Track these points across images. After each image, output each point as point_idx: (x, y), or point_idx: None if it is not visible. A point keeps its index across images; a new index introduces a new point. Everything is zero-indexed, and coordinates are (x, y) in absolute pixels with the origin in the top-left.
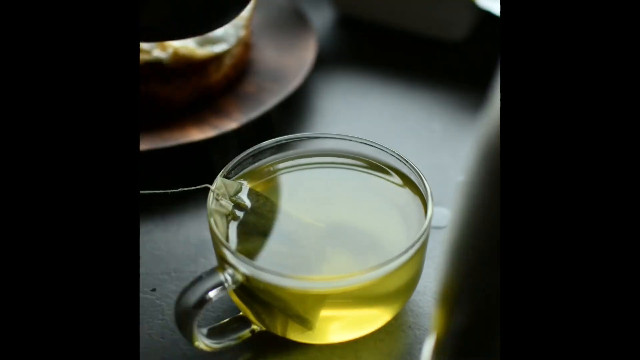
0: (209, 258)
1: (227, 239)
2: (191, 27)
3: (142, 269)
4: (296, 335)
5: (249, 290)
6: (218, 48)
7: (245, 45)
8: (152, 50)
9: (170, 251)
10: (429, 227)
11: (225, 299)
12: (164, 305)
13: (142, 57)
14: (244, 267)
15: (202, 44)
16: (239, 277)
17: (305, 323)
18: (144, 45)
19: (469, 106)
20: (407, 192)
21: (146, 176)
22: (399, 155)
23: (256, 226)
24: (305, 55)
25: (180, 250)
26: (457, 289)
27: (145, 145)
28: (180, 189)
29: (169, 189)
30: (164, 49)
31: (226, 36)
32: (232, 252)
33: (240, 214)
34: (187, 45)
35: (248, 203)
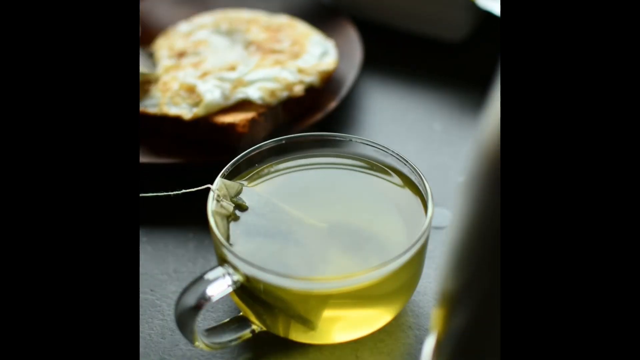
0: (208, 258)
1: (227, 239)
2: None
3: (142, 270)
4: (297, 335)
5: (249, 290)
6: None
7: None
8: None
9: (170, 251)
10: (429, 227)
11: (226, 299)
12: (164, 305)
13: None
14: (244, 268)
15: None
16: (240, 278)
17: (306, 323)
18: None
19: (469, 106)
20: (407, 193)
21: (146, 175)
22: (399, 155)
23: (257, 227)
24: None
25: (180, 251)
26: (457, 290)
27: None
28: (183, 191)
29: (171, 191)
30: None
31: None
32: (232, 253)
33: (240, 214)
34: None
35: (249, 204)
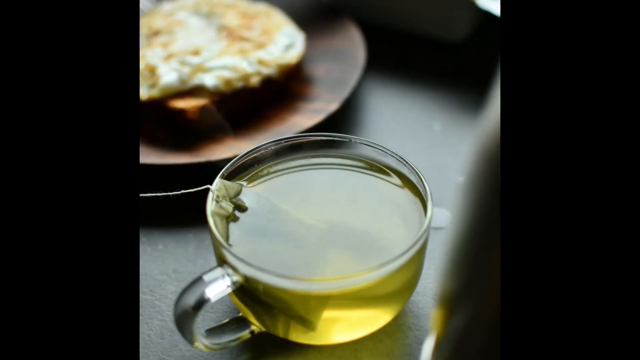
0: (208, 259)
1: (227, 239)
2: None
3: (141, 270)
4: (297, 336)
5: (248, 291)
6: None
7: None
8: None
9: (169, 252)
10: (428, 227)
11: (225, 300)
12: (163, 306)
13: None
14: (243, 268)
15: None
16: (239, 278)
17: (306, 324)
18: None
19: (469, 106)
20: (407, 193)
21: (146, 178)
22: (398, 155)
23: (256, 227)
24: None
25: (180, 251)
26: (457, 290)
27: (174, 159)
28: (182, 191)
29: (171, 191)
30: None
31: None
32: (231, 253)
33: (240, 215)
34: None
35: (248, 204)
